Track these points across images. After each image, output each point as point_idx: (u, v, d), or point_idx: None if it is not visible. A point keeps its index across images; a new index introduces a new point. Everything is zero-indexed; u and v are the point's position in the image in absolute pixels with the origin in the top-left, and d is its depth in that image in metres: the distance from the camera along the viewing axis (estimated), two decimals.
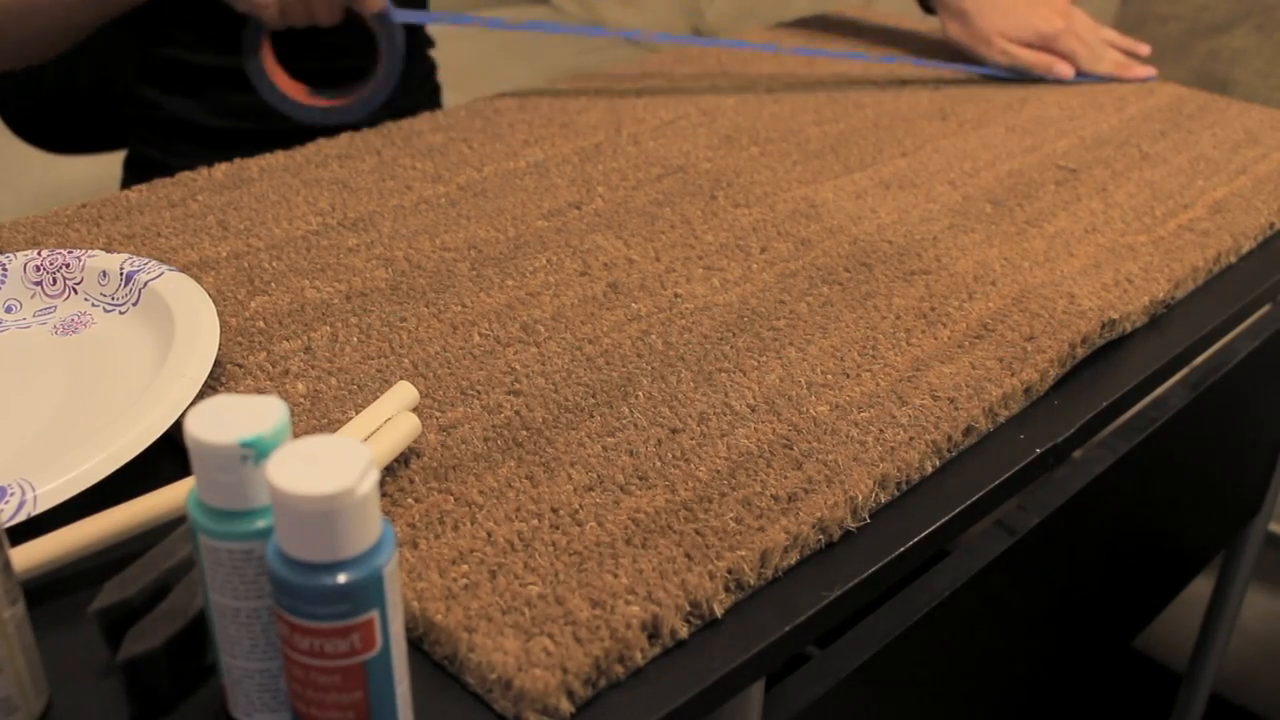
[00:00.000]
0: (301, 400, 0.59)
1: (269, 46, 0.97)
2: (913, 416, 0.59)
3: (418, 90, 1.19)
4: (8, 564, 0.41)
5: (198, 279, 0.70)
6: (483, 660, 0.44)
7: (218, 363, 0.62)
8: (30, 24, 0.95)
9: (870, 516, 0.54)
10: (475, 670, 0.45)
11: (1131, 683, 1.53)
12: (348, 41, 1.03)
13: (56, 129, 1.26)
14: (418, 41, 1.23)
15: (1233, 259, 0.79)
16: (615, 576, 0.48)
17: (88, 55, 1.06)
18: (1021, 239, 0.77)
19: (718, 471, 0.55)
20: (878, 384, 0.61)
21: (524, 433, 0.57)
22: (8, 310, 0.67)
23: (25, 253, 0.68)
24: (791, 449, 0.56)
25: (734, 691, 0.47)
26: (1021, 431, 0.61)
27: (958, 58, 1.12)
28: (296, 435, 0.56)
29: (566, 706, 0.44)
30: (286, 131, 1.03)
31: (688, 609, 0.47)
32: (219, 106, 1.07)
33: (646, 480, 0.54)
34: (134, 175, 1.17)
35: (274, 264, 0.72)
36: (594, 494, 0.53)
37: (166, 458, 0.55)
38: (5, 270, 0.67)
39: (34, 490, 0.50)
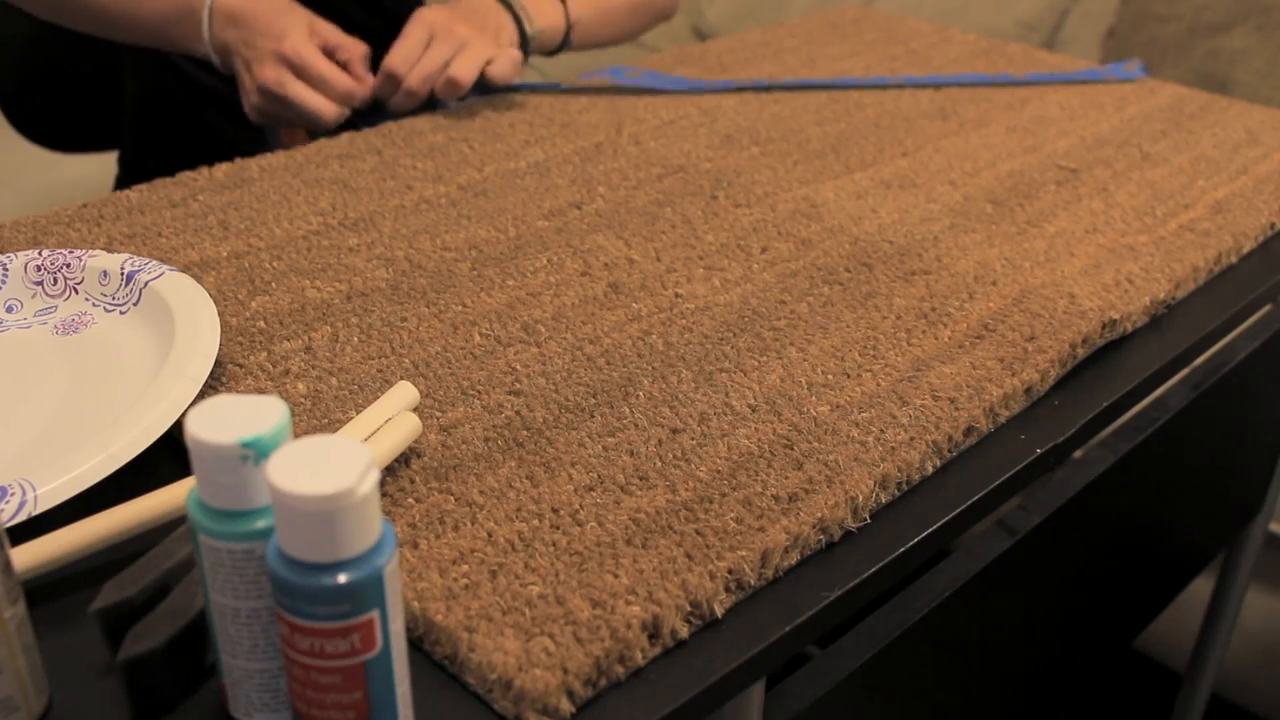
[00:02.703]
0: (302, 400, 0.59)
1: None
2: (913, 416, 0.59)
3: None
4: (8, 564, 0.41)
5: (198, 279, 0.70)
6: (483, 660, 0.44)
7: (218, 363, 0.62)
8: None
9: (871, 516, 0.54)
10: (475, 670, 0.45)
11: (1131, 683, 1.53)
12: None
13: (58, 125, 1.25)
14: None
15: (1233, 259, 0.79)
16: (615, 576, 0.48)
17: (91, 40, 1.06)
18: (1022, 239, 0.77)
19: (718, 471, 0.55)
20: (878, 384, 0.61)
21: (524, 433, 0.57)
22: (9, 310, 0.67)
23: (26, 252, 0.68)
24: (792, 449, 0.56)
25: (734, 692, 0.47)
26: (1022, 431, 0.61)
27: (955, 66, 1.12)
28: (297, 435, 0.56)
29: (567, 707, 0.44)
30: None
31: (688, 609, 0.47)
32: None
33: (647, 480, 0.54)
34: (129, 168, 1.17)
35: (274, 264, 0.72)
36: (594, 494, 0.53)
37: (166, 458, 0.55)
38: (6, 270, 0.67)
39: (34, 490, 0.50)
